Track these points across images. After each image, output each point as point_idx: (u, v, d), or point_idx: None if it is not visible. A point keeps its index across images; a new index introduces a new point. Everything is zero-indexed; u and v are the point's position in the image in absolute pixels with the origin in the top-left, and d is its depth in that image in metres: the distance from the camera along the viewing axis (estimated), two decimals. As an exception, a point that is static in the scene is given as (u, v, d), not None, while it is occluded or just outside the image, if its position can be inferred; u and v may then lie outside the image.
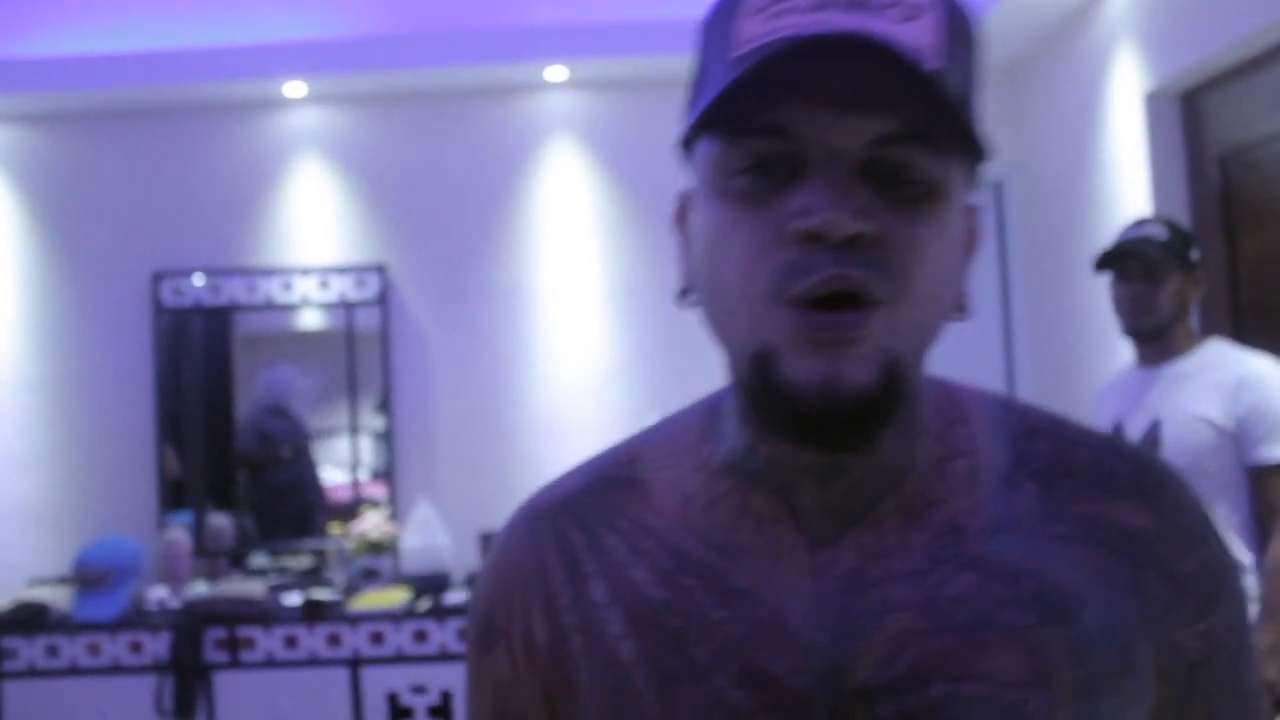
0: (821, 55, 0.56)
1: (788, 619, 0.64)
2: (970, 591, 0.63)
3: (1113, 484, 0.67)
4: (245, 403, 3.96)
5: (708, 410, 0.73)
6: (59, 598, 3.43)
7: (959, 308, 0.65)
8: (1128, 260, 2.31)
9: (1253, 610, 2.14)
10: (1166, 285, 2.29)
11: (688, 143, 0.65)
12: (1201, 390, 2.22)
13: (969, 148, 0.60)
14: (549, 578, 0.72)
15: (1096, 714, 0.62)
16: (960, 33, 0.61)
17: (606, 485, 0.73)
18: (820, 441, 0.61)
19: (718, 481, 0.69)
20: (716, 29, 0.63)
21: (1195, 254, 2.33)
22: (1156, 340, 2.33)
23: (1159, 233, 2.32)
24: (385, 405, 3.92)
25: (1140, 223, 2.37)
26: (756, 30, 0.59)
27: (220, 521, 3.90)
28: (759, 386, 0.61)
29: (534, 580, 0.72)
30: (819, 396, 0.58)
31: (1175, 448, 2.21)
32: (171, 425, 3.90)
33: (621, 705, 0.67)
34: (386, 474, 3.92)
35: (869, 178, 0.59)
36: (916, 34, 0.58)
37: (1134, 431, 2.32)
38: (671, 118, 3.96)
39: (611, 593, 0.69)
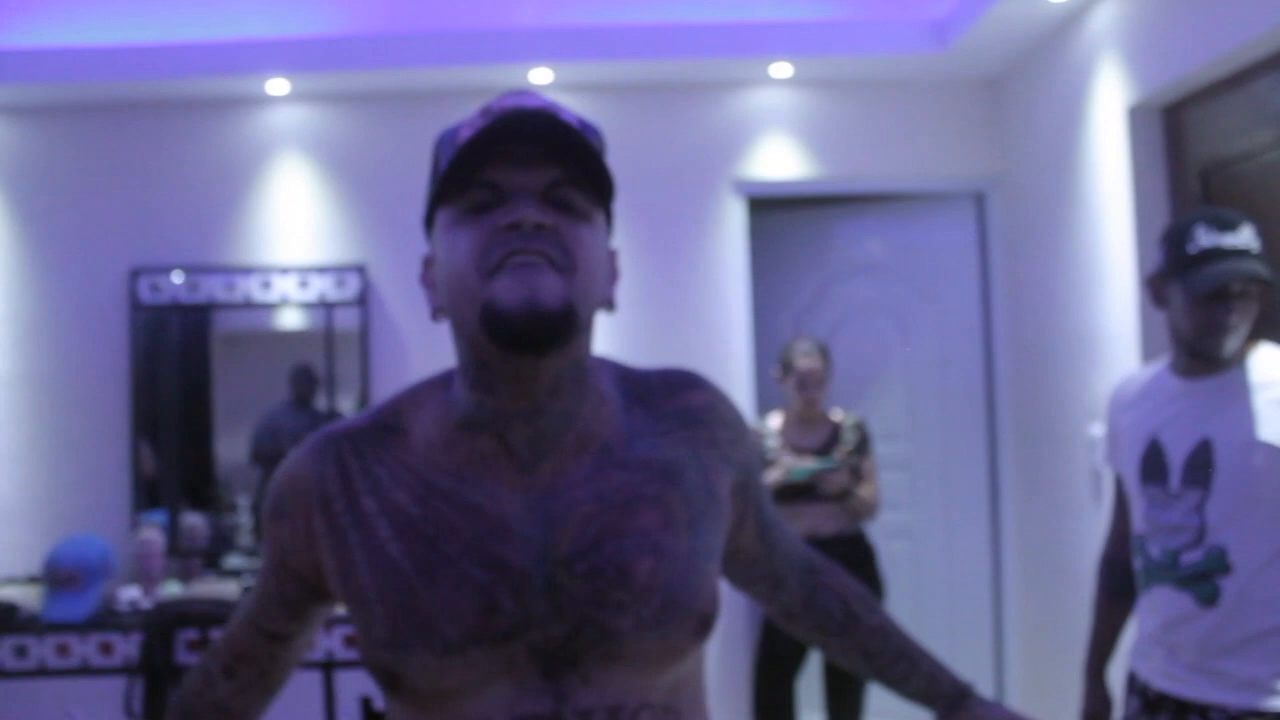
0: (512, 132, 0.90)
1: (509, 521, 0.95)
2: (621, 482, 0.98)
3: (675, 385, 1.06)
4: (223, 401, 3.93)
5: (441, 381, 1.03)
6: (28, 597, 3.39)
7: (608, 304, 0.99)
8: (1238, 280, 1.87)
9: None
10: (1261, 302, 1.93)
11: (429, 220, 0.98)
12: (1260, 409, 1.90)
13: (604, 189, 0.95)
14: (327, 487, 1.00)
15: (699, 535, 1.00)
16: (597, 134, 0.99)
17: (378, 428, 1.01)
18: (528, 346, 0.89)
19: (454, 430, 0.98)
20: (446, 143, 0.98)
21: None
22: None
23: (1254, 241, 1.91)
24: (365, 406, 3.89)
25: (1225, 223, 1.91)
26: (468, 133, 0.93)
27: (194, 521, 3.87)
28: (486, 322, 0.89)
29: (315, 485, 1.00)
30: (525, 311, 0.87)
31: (1230, 473, 1.89)
32: (147, 423, 3.86)
33: (393, 585, 0.95)
34: (364, 476, 3.88)
35: (547, 205, 0.92)
36: (571, 115, 0.95)
37: (1176, 450, 1.97)
38: (656, 120, 3.95)
39: (379, 506, 0.98)
